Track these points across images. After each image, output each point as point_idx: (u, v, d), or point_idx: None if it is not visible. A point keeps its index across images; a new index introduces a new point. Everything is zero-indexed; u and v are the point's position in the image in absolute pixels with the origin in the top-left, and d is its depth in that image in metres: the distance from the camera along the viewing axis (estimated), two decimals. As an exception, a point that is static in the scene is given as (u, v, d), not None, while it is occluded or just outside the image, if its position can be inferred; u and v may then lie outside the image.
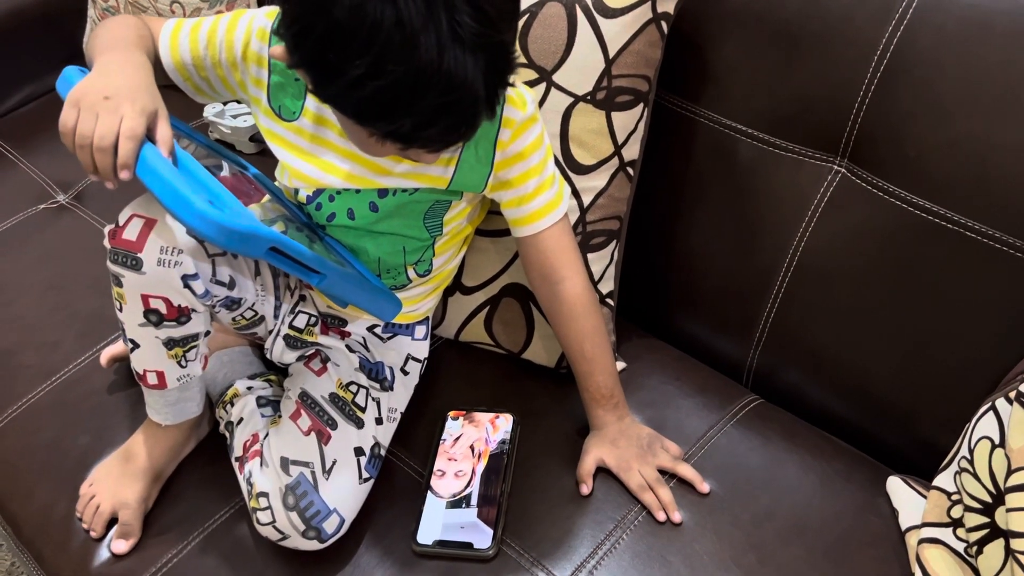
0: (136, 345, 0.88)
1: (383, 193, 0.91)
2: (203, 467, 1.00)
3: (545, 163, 0.93)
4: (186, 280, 0.83)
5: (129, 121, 0.74)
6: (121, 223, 0.82)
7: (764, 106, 1.01)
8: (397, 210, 0.92)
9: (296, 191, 0.94)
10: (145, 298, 0.84)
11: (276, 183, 1.05)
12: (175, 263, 0.82)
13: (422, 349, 1.05)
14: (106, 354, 1.07)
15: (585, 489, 0.95)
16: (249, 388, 1.01)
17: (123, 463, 0.95)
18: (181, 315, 0.86)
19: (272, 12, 0.89)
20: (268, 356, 1.01)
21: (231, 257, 0.88)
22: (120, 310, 0.86)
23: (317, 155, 0.90)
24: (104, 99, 0.74)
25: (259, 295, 0.94)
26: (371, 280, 0.94)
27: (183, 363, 0.90)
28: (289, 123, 0.90)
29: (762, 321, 1.05)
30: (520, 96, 0.90)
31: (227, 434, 0.99)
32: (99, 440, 1.02)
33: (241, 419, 0.97)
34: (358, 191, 0.91)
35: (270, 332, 0.98)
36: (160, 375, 0.90)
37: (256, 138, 1.38)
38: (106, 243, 0.83)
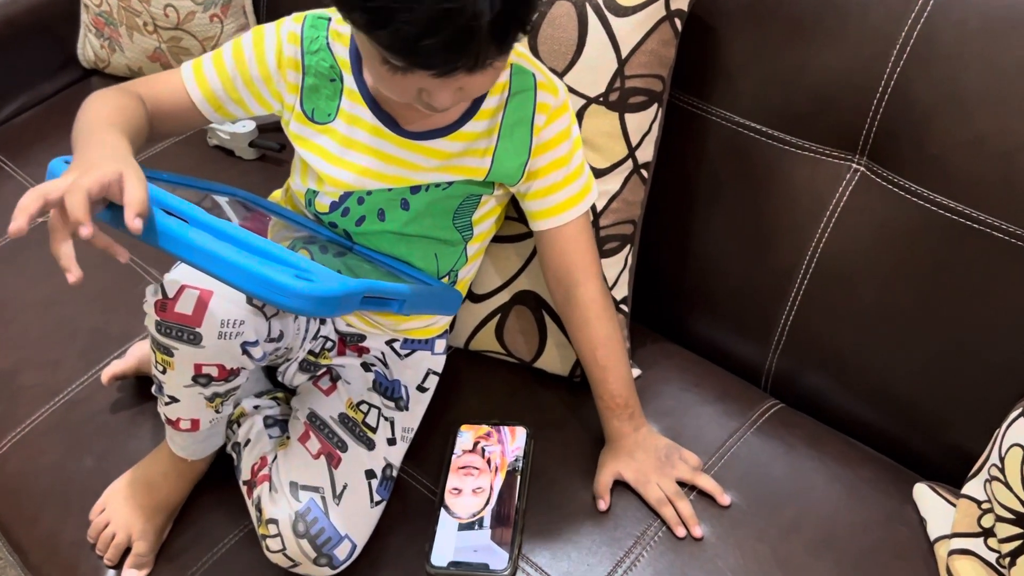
0: (175, 400, 0.86)
1: (415, 189, 0.89)
2: (210, 488, 0.97)
3: (573, 153, 0.91)
4: (245, 347, 0.82)
5: (81, 184, 0.64)
6: (171, 295, 0.78)
7: (779, 103, 0.97)
8: (428, 208, 0.90)
9: (311, 201, 0.91)
10: (198, 366, 0.81)
11: (281, 197, 1.03)
12: (236, 334, 0.80)
13: (440, 363, 1.02)
14: (107, 373, 1.05)
15: (603, 505, 0.92)
16: (256, 407, 0.98)
17: (141, 492, 0.93)
18: (231, 375, 0.84)
19: (299, 16, 0.88)
20: (280, 379, 0.99)
21: (282, 312, 0.85)
22: (163, 372, 0.84)
23: (347, 158, 0.88)
24: (79, 176, 0.66)
25: (296, 334, 0.92)
26: (428, 281, 0.92)
27: (219, 410, 0.89)
28: (322, 126, 0.88)
29: (781, 324, 1.02)
30: (551, 81, 0.89)
31: (234, 455, 0.96)
32: (104, 462, 1.00)
33: (248, 440, 0.95)
34: (390, 189, 0.88)
35: (287, 360, 0.96)
36: (195, 422, 0.88)
37: (255, 143, 1.35)
38: (151, 312, 0.80)
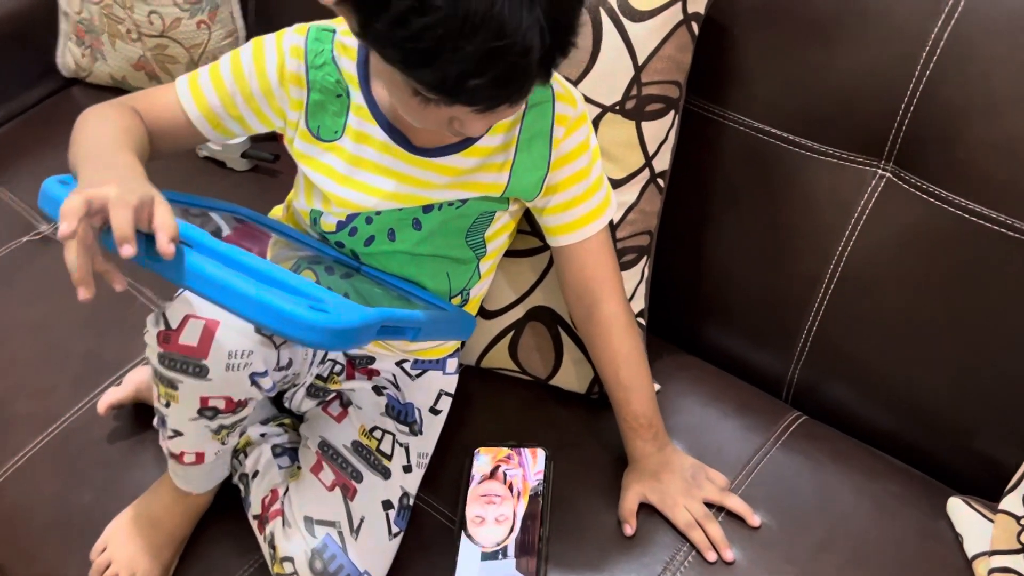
0: (179, 433, 0.82)
1: (428, 208, 0.85)
2: (216, 520, 0.93)
3: (592, 165, 0.87)
4: (254, 378, 0.78)
5: (116, 194, 0.62)
6: (174, 325, 0.74)
7: (799, 107, 0.94)
8: (441, 227, 0.86)
9: (316, 220, 0.87)
10: (204, 399, 0.78)
11: (282, 215, 0.98)
12: (245, 365, 0.76)
13: (453, 383, 0.98)
14: (104, 402, 1.00)
15: (629, 530, 0.89)
16: (263, 435, 0.94)
17: (144, 529, 0.88)
18: (239, 406, 0.80)
19: (302, 28, 0.83)
20: (287, 405, 0.95)
21: None
22: (166, 406, 0.80)
23: (356, 177, 0.84)
24: (92, 190, 0.63)
25: (304, 359, 0.88)
26: (441, 304, 0.88)
27: (225, 441, 0.84)
28: (328, 143, 0.84)
29: (804, 334, 0.99)
30: (569, 92, 0.85)
31: (241, 486, 0.92)
32: (104, 495, 0.96)
33: (256, 471, 0.91)
34: (400, 209, 0.84)
35: (294, 385, 0.92)
36: (200, 455, 0.84)
37: (248, 154, 1.30)
38: (153, 344, 0.76)
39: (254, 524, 0.88)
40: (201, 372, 0.75)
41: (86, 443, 1.01)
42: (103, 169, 0.69)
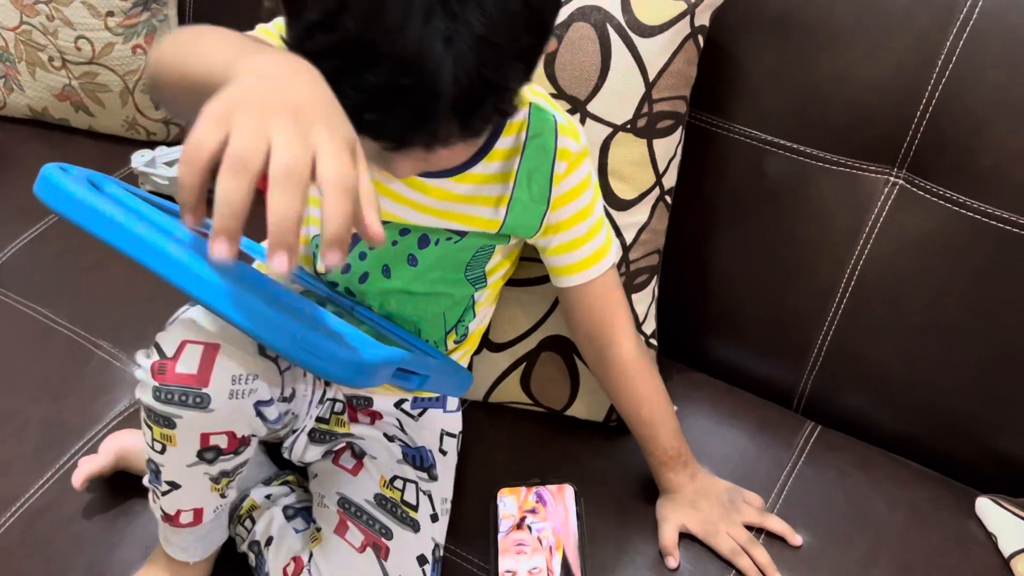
0: (175, 486, 0.73)
1: (424, 243, 0.79)
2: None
3: (595, 203, 0.83)
4: (259, 407, 0.70)
5: (335, 160, 0.46)
6: (170, 354, 0.66)
7: (808, 117, 0.92)
8: (438, 262, 0.80)
9: (315, 255, 0.81)
10: (205, 436, 0.69)
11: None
12: (249, 391, 0.68)
13: (455, 423, 0.93)
14: (80, 475, 0.89)
15: (673, 562, 0.86)
16: (268, 496, 0.86)
17: None
18: (241, 445, 0.72)
19: None
20: (287, 456, 0.87)
21: (295, 367, 0.75)
22: (161, 451, 0.70)
23: None
24: (282, 109, 0.46)
25: (304, 397, 0.80)
26: (439, 357, 0.83)
27: (224, 494, 0.76)
28: None
29: (817, 345, 0.98)
30: (573, 125, 0.80)
31: (252, 554, 0.84)
32: (90, 579, 0.86)
33: (271, 538, 0.83)
34: (395, 243, 0.79)
35: (293, 431, 0.84)
36: (198, 512, 0.75)
37: (200, 187, 1.20)
38: (146, 379, 0.67)
39: (277, 597, 0.81)
40: (202, 403, 0.67)
41: (59, 522, 0.90)
42: (278, 70, 0.51)
